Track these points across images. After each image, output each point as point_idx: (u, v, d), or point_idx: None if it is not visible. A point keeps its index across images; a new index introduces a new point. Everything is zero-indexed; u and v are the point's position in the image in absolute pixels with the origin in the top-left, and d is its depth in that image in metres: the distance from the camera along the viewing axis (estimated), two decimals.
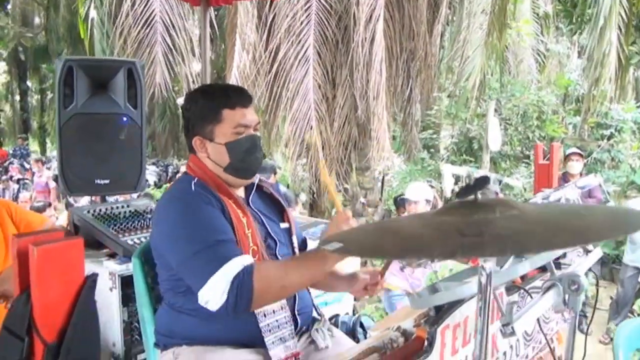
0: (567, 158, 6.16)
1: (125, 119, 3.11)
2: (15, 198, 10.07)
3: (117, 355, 2.39)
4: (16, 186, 11.61)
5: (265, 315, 1.67)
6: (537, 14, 11.66)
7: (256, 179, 1.88)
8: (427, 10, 7.15)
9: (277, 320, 1.69)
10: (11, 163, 13.48)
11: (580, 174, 5.90)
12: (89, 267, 2.45)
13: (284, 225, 1.90)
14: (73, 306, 0.64)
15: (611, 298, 5.84)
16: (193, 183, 1.70)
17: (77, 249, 0.64)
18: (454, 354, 1.31)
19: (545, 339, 1.70)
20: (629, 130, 10.27)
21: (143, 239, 2.56)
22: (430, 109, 10.84)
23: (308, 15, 6.49)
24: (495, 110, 10.26)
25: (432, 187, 5.97)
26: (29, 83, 22.07)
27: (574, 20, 10.08)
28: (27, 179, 12.07)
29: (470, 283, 1.24)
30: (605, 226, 0.98)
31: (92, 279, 0.61)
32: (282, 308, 1.71)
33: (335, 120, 6.78)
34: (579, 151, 6.34)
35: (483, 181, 1.00)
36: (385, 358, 1.25)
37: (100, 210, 2.73)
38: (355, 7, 6.37)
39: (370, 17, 6.33)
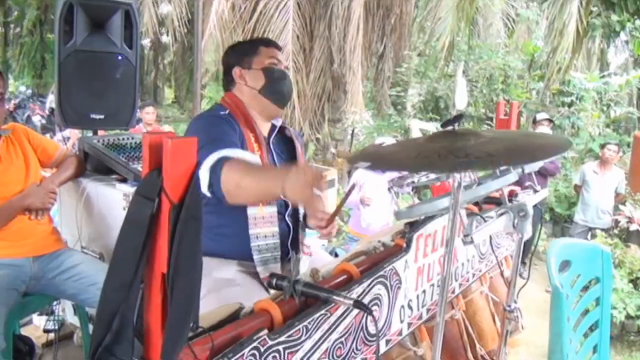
0: (537, 123, 6.52)
1: (120, 58, 3.30)
2: None
3: None
4: None
5: (257, 238, 1.96)
6: None
7: (279, 122, 2.15)
8: None
9: (266, 244, 1.98)
10: None
11: None
12: (103, 190, 2.72)
13: None
14: (189, 183, 0.93)
15: None
16: (223, 112, 1.99)
17: (192, 144, 0.94)
18: (425, 256, 1.66)
19: (495, 257, 2.06)
20: (591, 100, 10.65)
21: None
22: (400, 67, 11.07)
23: None
24: (463, 72, 10.55)
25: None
26: None
27: None
28: None
29: (441, 200, 1.56)
30: (550, 146, 1.32)
31: (197, 169, 0.92)
32: (273, 235, 1.99)
33: (311, 72, 7.00)
34: (548, 117, 6.75)
35: (460, 116, 1.31)
36: (370, 258, 1.57)
37: (108, 140, 2.96)
38: None
39: None
